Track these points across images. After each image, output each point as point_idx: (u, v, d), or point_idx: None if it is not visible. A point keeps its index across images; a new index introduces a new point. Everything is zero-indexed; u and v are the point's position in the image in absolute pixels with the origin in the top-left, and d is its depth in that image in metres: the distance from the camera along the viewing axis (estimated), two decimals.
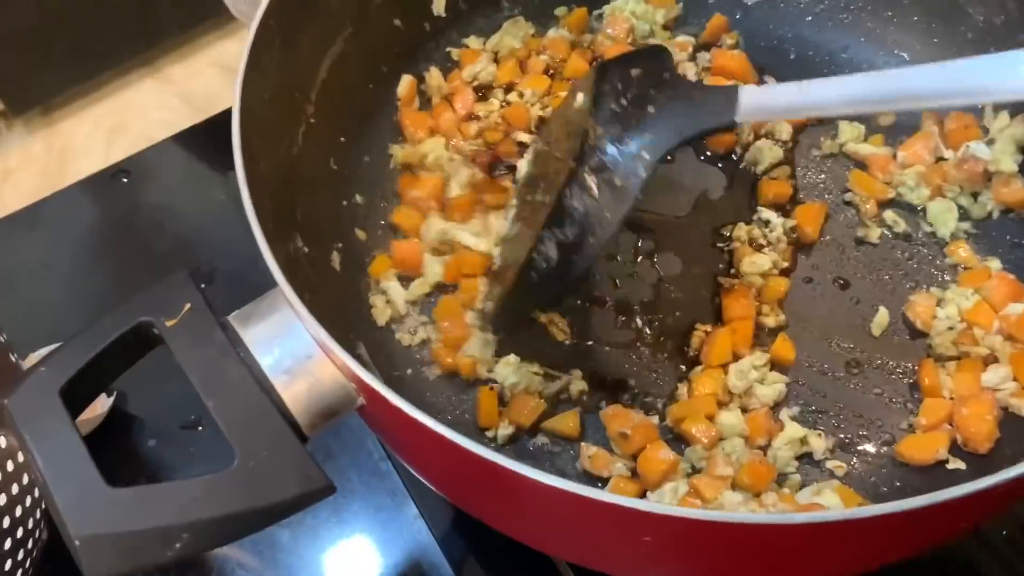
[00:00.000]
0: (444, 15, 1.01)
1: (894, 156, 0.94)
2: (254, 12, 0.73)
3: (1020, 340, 0.81)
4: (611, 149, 0.68)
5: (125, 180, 1.15)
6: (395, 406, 0.57)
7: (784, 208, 0.93)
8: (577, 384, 0.84)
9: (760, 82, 1.01)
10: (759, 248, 0.90)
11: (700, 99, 0.73)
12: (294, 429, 0.61)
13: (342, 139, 0.93)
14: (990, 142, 0.91)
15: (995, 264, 0.87)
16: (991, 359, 0.81)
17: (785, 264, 0.89)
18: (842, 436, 0.80)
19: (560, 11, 1.05)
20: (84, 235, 1.12)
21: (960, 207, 0.91)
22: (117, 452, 0.95)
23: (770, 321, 0.86)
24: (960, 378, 0.80)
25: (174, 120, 1.20)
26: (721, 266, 0.90)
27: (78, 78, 1.20)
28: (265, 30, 0.77)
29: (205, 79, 1.25)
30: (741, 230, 0.91)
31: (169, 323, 0.62)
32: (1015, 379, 0.79)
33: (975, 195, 0.91)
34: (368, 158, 0.96)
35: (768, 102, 0.75)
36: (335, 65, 0.89)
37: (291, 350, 0.63)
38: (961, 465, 0.77)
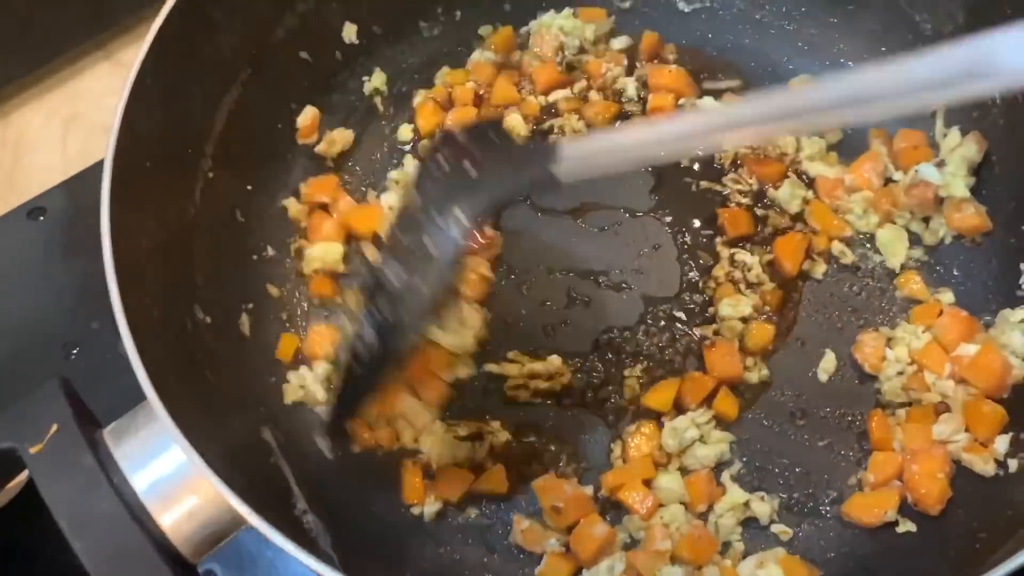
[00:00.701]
0: (356, 42, 0.93)
1: (843, 180, 0.88)
2: None
3: (973, 385, 0.76)
4: (429, 215, 0.61)
5: (41, 218, 1.09)
6: (270, 539, 0.52)
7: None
8: (500, 435, 0.79)
9: (702, 94, 0.95)
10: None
11: (518, 157, 0.66)
12: (174, 562, 0.56)
13: (249, 187, 0.86)
14: (940, 164, 0.85)
15: (947, 296, 0.82)
16: (943, 407, 0.77)
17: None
18: (787, 496, 0.76)
19: (484, 30, 0.98)
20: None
21: (911, 233, 0.86)
22: (32, 532, 0.89)
23: (753, 377, 0.80)
24: (910, 429, 0.76)
25: None
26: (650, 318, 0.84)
27: (28, 65, 1.12)
28: (142, 90, 0.71)
29: None
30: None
31: (34, 449, 0.57)
32: (967, 430, 0.74)
33: (926, 220, 0.85)
34: (281, 202, 0.89)
35: (588, 152, 0.64)
36: (235, 112, 0.82)
37: (170, 468, 0.58)
38: (912, 527, 0.72)
